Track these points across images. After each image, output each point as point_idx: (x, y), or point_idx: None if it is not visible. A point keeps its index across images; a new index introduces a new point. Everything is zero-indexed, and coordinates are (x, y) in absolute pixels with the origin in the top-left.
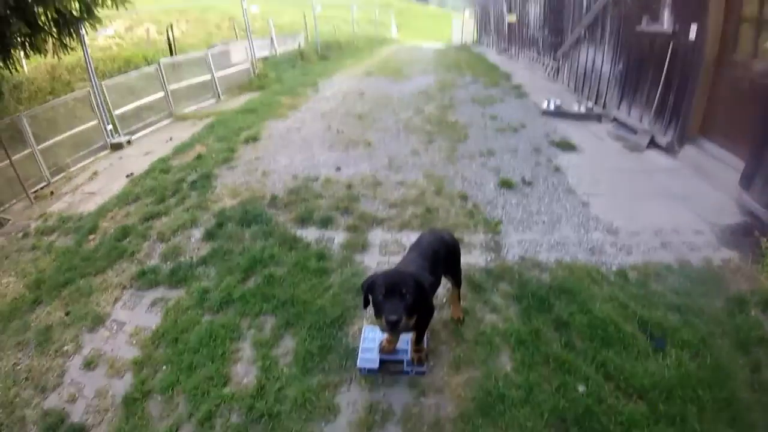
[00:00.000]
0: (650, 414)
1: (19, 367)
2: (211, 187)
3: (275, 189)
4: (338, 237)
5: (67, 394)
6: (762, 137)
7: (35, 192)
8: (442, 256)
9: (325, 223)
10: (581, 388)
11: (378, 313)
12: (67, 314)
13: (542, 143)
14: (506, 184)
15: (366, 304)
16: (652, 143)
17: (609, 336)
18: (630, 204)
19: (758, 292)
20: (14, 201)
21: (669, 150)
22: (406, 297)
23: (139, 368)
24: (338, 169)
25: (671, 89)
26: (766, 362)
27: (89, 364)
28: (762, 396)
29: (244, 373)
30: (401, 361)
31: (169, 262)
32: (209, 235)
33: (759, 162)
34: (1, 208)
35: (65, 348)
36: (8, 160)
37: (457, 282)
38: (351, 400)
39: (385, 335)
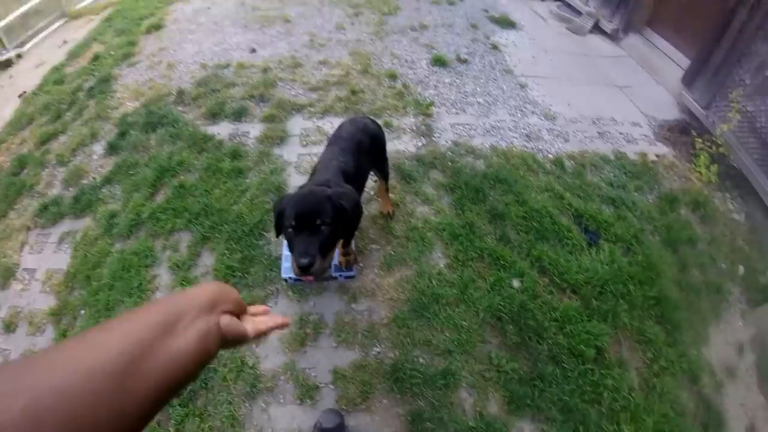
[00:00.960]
0: (583, 309)
1: None
2: (110, 92)
3: (182, 82)
4: (254, 130)
5: None
6: (710, 37)
7: None
8: (366, 147)
9: (239, 115)
10: (516, 284)
11: (290, 248)
12: None
13: (480, 18)
14: (439, 62)
15: (278, 233)
16: (597, 28)
17: (544, 229)
18: (569, 89)
19: (689, 192)
20: None
21: (613, 37)
22: (322, 230)
23: (58, 319)
24: (253, 51)
25: None
26: (693, 262)
27: (9, 327)
28: (688, 295)
29: None
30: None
31: (71, 188)
32: (112, 148)
33: (704, 62)
34: None
35: None
36: None
37: (384, 175)
38: (279, 313)
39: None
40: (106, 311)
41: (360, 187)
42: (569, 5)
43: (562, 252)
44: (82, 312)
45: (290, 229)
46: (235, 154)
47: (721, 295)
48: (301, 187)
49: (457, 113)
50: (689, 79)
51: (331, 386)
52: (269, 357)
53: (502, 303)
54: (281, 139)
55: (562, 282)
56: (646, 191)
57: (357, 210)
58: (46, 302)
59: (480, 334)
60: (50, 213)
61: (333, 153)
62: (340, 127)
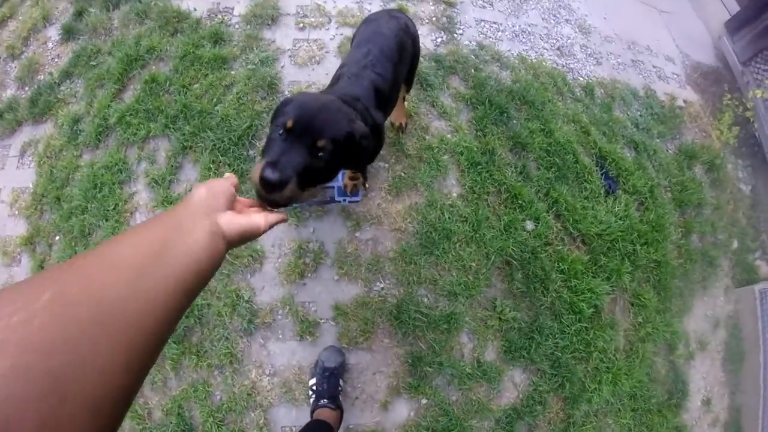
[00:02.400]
0: (591, 265)
1: None
2: None
3: None
4: (238, 5)
5: None
6: None
7: None
8: (407, 54)
9: None
10: (530, 226)
11: (262, 152)
12: None
13: None
14: None
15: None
16: None
17: (566, 167)
18: (608, 1)
19: (708, 150)
20: None
21: None
22: (318, 156)
23: (32, 248)
24: None
25: None
26: (695, 228)
27: None
28: (685, 262)
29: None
30: (332, 188)
31: (26, 88)
32: (68, 32)
33: (756, 12)
34: None
35: None
36: None
37: (409, 86)
38: (275, 241)
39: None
40: (82, 238)
41: (389, 111)
42: None
43: (579, 197)
44: (57, 238)
45: (280, 130)
46: (217, 38)
47: (711, 267)
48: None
49: (483, 6)
50: (734, 26)
51: (332, 322)
52: (266, 289)
53: (514, 247)
54: (272, 18)
55: (575, 231)
56: (668, 139)
57: (377, 149)
58: (16, 228)
59: (487, 278)
60: (6, 120)
61: (368, 58)
62: (377, 20)
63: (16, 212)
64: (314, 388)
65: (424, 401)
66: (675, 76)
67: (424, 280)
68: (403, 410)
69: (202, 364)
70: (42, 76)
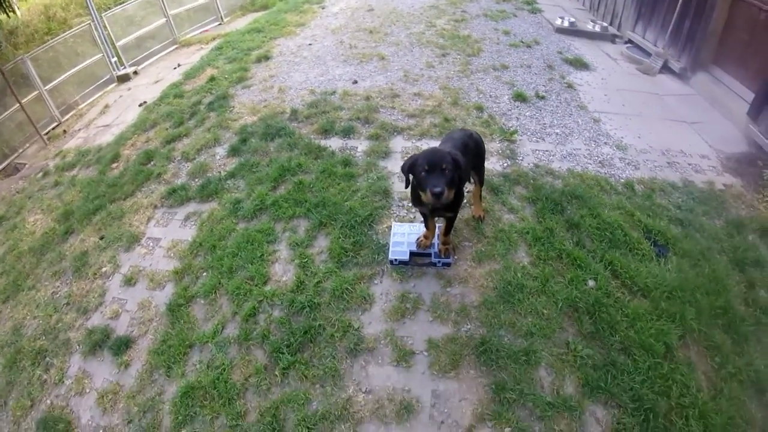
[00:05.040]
0: (653, 310)
1: (57, 295)
2: (228, 107)
3: (294, 104)
4: (361, 145)
5: (109, 312)
6: None
7: (47, 133)
8: (471, 150)
9: (347, 132)
10: (591, 283)
11: (422, 188)
12: (101, 239)
13: (555, 60)
14: (520, 98)
15: (407, 184)
16: (665, 68)
17: (616, 239)
18: (640, 124)
19: (757, 219)
20: (27, 145)
21: (682, 76)
22: (446, 172)
23: (180, 277)
24: (355, 82)
25: (688, 14)
26: (760, 283)
27: (129, 281)
28: (755, 311)
29: (283, 271)
30: (429, 254)
31: (197, 179)
32: (234, 151)
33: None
34: (15, 154)
35: (103, 269)
36: (18, 104)
37: (480, 179)
38: (384, 290)
39: (422, 232)
40: (228, 273)
41: (462, 180)
42: (639, 47)
43: (632, 259)
44: (205, 274)
45: (423, 173)
46: (346, 163)
47: None
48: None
49: (537, 141)
50: (754, 113)
51: (425, 353)
52: (372, 324)
53: (578, 296)
54: (385, 154)
55: (632, 285)
56: (714, 216)
57: (465, 174)
58: (169, 265)
59: (558, 322)
60: (178, 196)
61: (445, 147)
62: (451, 132)
63: (171, 255)
64: None
65: (507, 429)
66: (711, 168)
67: (504, 323)
68: None
69: (308, 374)
70: (211, 174)
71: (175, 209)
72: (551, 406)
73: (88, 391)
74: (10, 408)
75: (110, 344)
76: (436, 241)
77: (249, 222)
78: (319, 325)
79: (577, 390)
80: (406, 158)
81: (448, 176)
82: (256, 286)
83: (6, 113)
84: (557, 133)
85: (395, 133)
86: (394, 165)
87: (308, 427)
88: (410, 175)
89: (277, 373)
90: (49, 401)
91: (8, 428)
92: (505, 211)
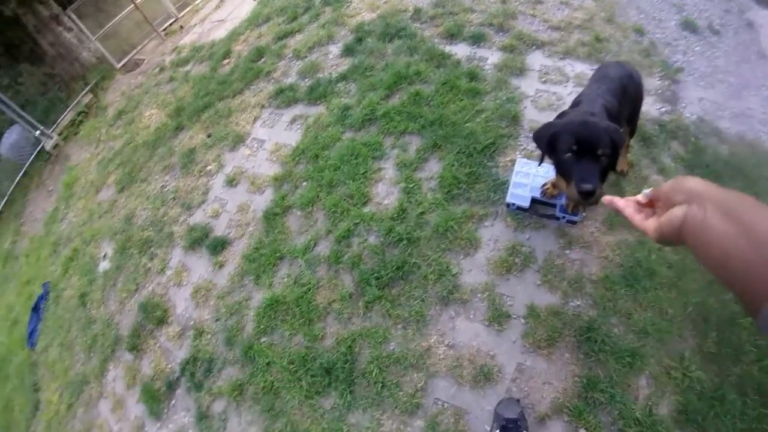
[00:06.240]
0: None
1: (166, 189)
2: (346, 1)
3: (418, 1)
4: (492, 57)
5: (211, 210)
6: None
7: (165, 29)
8: (629, 95)
9: (477, 39)
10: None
11: (566, 174)
12: (208, 136)
13: None
14: (690, 26)
15: (542, 160)
16: None
17: None
18: None
19: None
20: (146, 41)
21: None
22: (602, 160)
23: (280, 184)
24: None
25: None
26: None
27: (231, 182)
28: None
29: (386, 194)
30: (554, 206)
31: (306, 79)
32: (348, 51)
33: None
34: (135, 50)
35: (208, 168)
36: (133, 4)
37: (632, 129)
38: (493, 236)
39: (551, 177)
40: (328, 188)
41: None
42: None
43: None
44: (305, 184)
45: (568, 154)
46: (472, 76)
47: None
48: (561, 115)
49: (705, 87)
50: None
51: (522, 320)
52: (472, 272)
53: (715, 306)
54: (520, 70)
55: None
56: None
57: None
58: (270, 169)
59: (680, 328)
60: (285, 96)
61: (599, 90)
62: (606, 66)
63: (274, 159)
64: None
65: (582, 431)
66: None
67: (620, 310)
68: (557, 431)
69: (392, 313)
70: (321, 74)
71: (281, 110)
72: (637, 423)
73: (185, 283)
74: (118, 289)
75: (208, 243)
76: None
77: (356, 132)
78: (414, 262)
79: (671, 415)
80: (539, 126)
81: (604, 164)
82: (354, 205)
83: (124, 12)
84: (730, 83)
85: (534, 47)
86: (529, 86)
87: (380, 367)
88: (549, 149)
89: (360, 304)
90: (150, 288)
91: (115, 307)
92: (654, 170)
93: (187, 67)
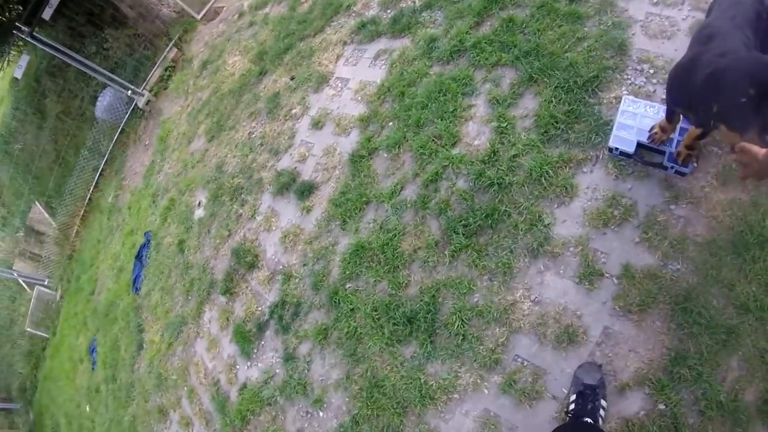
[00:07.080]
0: None
1: (253, 135)
2: None
3: None
4: None
5: (297, 155)
6: None
7: None
8: (763, 25)
9: None
10: None
11: (740, 125)
12: (291, 79)
13: None
14: None
15: (670, 116)
16: None
17: None
18: None
19: None
20: None
21: None
22: None
23: (365, 125)
24: None
25: None
26: None
27: (317, 124)
28: None
29: (476, 133)
30: (662, 153)
31: (389, 10)
32: None
33: None
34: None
35: (293, 111)
36: None
37: None
38: (592, 183)
39: (660, 119)
40: (415, 128)
41: None
42: None
43: None
44: (391, 124)
45: (743, 98)
46: None
47: None
48: (693, 59)
49: None
50: None
51: (615, 280)
52: (566, 223)
53: None
54: None
55: None
56: None
57: None
58: (355, 109)
59: None
60: (368, 31)
61: (735, 22)
62: None
63: (359, 98)
64: (572, 407)
65: (661, 407)
66: None
67: (722, 280)
68: (635, 403)
69: (479, 264)
70: (404, 4)
71: (364, 46)
72: (719, 407)
73: (274, 229)
74: (212, 236)
75: (296, 188)
76: (675, 136)
77: (444, 66)
78: (505, 210)
79: (756, 404)
80: (673, 65)
81: None
82: (443, 147)
83: None
84: None
85: None
86: (638, 9)
87: (462, 319)
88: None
89: (446, 253)
90: (242, 233)
91: (210, 252)
92: None
93: (266, 9)
